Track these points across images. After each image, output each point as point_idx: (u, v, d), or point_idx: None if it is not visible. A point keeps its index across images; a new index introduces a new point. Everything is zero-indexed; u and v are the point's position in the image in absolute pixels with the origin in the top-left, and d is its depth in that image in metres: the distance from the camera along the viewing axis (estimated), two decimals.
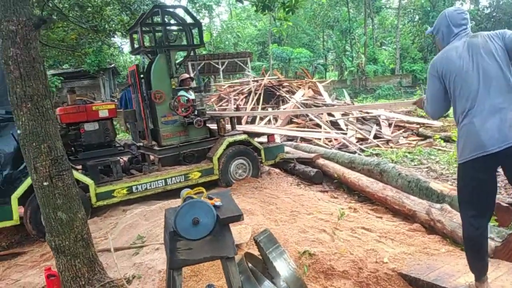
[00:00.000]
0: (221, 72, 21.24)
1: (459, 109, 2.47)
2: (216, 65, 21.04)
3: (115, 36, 11.74)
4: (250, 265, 2.69)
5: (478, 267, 2.57)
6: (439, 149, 7.89)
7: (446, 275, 2.94)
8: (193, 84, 7.13)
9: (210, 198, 2.45)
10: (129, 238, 4.19)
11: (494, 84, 2.36)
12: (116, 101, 6.49)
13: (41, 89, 3.04)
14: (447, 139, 8.47)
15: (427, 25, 34.97)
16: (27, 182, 4.70)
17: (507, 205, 3.94)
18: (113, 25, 10.04)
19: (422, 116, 11.07)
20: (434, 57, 2.66)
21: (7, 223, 4.69)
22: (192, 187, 6.02)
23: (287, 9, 6.39)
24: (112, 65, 22.53)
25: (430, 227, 3.96)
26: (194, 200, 2.23)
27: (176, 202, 5.04)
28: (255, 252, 3.13)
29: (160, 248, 3.81)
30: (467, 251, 2.63)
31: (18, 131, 3.07)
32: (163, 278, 3.40)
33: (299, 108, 10.58)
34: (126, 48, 27.31)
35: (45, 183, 3.07)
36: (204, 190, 2.56)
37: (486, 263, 2.58)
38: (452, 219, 3.69)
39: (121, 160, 5.99)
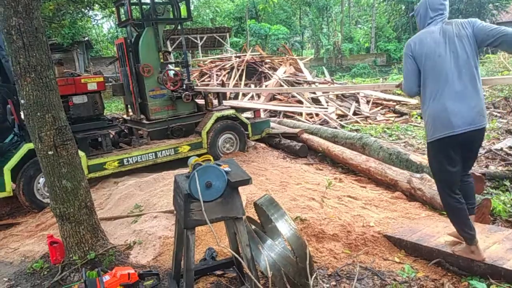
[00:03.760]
0: (199, 48, 20.95)
1: (429, 90, 2.66)
2: (195, 40, 20.71)
3: (93, 8, 11.46)
4: (253, 227, 2.90)
5: (470, 230, 2.74)
6: (415, 126, 8.27)
7: (427, 236, 3.25)
8: (171, 58, 7.14)
9: (218, 165, 2.61)
10: (125, 208, 4.31)
11: (464, 71, 2.56)
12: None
13: (44, 60, 3.07)
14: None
15: (401, 5, 35.49)
16: (19, 153, 4.72)
17: (479, 175, 4.30)
18: None
19: (398, 94, 11.47)
20: (410, 38, 2.81)
21: (0, 195, 4.71)
22: (181, 160, 6.15)
23: None
24: (86, 38, 21.83)
25: (411, 195, 4.28)
26: (207, 165, 2.40)
27: (168, 174, 5.19)
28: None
29: (158, 216, 3.97)
30: (455, 219, 2.80)
31: (22, 101, 3.10)
32: (164, 243, 3.59)
33: (281, 84, 10.74)
34: (101, 21, 26.45)
35: (50, 152, 3.15)
36: (211, 157, 2.71)
37: (473, 225, 2.80)
38: (432, 187, 4.01)
39: (110, 133, 6.02)
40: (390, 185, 4.67)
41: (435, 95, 2.62)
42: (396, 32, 35.83)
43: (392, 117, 9.61)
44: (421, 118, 8.72)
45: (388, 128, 8.13)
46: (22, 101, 3.10)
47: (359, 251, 3.31)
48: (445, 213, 3.74)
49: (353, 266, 3.11)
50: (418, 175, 4.32)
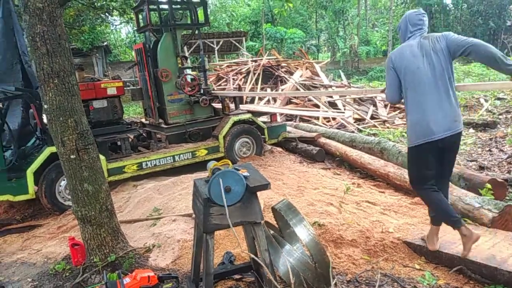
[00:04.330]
0: (216, 52, 21.10)
1: (409, 100, 2.89)
2: (211, 45, 20.88)
3: (112, 14, 11.67)
4: (271, 231, 2.90)
5: (453, 213, 2.96)
6: None
7: (448, 243, 3.20)
8: (188, 63, 7.21)
9: (237, 170, 2.62)
10: (145, 211, 4.37)
11: (439, 83, 2.78)
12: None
13: (67, 66, 3.14)
14: None
15: (419, 7, 35.08)
16: (42, 157, 4.83)
17: (502, 180, 4.22)
18: (112, 2, 9.98)
19: None
20: (391, 52, 3.03)
21: (23, 197, 4.84)
22: (198, 164, 6.19)
23: None
24: (105, 43, 22.24)
25: None
26: (226, 170, 2.41)
27: (186, 178, 5.23)
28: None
29: (177, 220, 4.00)
30: (437, 207, 3.00)
31: (45, 106, 3.17)
32: (183, 247, 3.61)
33: (298, 88, 10.73)
34: (119, 26, 26.88)
35: (72, 156, 3.21)
36: (229, 162, 2.72)
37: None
38: (452, 193, 3.94)
39: (129, 137, 6.11)
40: (409, 191, 4.60)
41: (415, 104, 2.85)
42: None
43: None
44: None
45: (406, 133, 8.03)
46: (46, 106, 3.17)
47: (378, 257, 3.28)
48: (467, 219, 3.70)
49: (372, 272, 3.08)
50: None
